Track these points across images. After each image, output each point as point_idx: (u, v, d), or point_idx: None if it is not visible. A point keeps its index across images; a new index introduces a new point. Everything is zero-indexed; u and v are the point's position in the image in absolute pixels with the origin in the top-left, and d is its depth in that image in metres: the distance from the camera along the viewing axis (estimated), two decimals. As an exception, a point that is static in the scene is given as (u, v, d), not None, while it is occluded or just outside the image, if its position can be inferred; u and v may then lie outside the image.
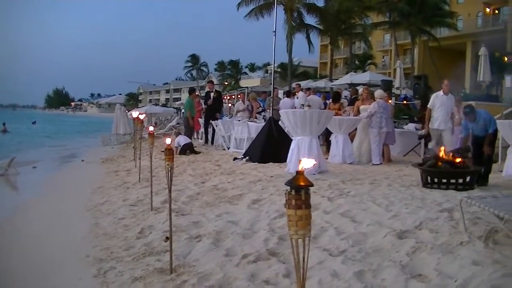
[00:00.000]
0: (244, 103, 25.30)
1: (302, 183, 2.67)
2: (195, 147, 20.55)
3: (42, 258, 8.12)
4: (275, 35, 16.94)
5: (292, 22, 51.74)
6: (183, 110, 63.54)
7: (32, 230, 10.39)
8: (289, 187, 2.72)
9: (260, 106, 23.73)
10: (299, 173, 2.70)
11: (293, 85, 34.48)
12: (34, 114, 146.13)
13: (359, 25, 56.88)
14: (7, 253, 8.85)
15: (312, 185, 2.70)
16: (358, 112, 17.03)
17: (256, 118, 22.32)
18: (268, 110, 22.34)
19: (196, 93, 24.73)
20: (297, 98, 22.24)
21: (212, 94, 22.84)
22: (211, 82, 26.80)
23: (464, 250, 6.08)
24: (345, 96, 24.39)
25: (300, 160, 2.78)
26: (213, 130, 22.74)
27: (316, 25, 56.48)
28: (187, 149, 19.38)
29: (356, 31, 57.75)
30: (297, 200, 2.70)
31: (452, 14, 54.21)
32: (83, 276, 6.82)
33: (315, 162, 2.79)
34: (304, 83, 39.42)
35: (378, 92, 17.22)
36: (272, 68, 20.24)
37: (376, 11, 54.86)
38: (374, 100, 16.60)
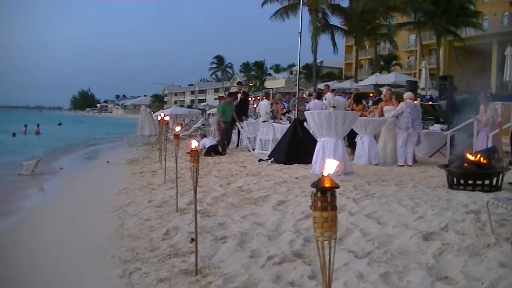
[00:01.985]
0: (269, 102, 25.32)
1: (328, 185, 2.67)
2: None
3: (67, 258, 8.17)
4: (300, 36, 16.92)
5: (317, 23, 51.65)
6: (208, 112, 63.81)
7: (58, 230, 10.46)
8: (315, 189, 2.72)
9: (284, 107, 23.64)
10: (324, 175, 2.69)
11: (322, 86, 34.37)
12: (60, 116, 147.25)
13: (384, 25, 56.62)
14: (33, 253, 8.92)
15: (338, 187, 2.69)
16: (382, 113, 16.96)
17: (281, 119, 22.27)
18: (293, 111, 22.26)
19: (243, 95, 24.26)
20: (325, 99, 22.19)
21: (239, 95, 22.57)
22: (240, 83, 26.62)
23: (491, 252, 6.04)
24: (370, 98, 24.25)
25: (325, 161, 2.77)
26: (239, 131, 22.59)
27: (341, 26, 56.37)
28: (212, 150, 19.41)
29: (381, 31, 57.50)
30: (323, 202, 2.70)
31: (478, 14, 53.74)
32: (108, 277, 6.86)
33: (338, 163, 2.77)
34: (328, 84, 39.36)
35: (407, 94, 17.16)
36: (298, 69, 20.18)
37: (400, 11, 54.55)
38: (398, 101, 16.56)
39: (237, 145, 22.90)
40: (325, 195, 2.69)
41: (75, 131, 64.45)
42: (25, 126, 56.08)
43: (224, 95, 24.26)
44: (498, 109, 18.74)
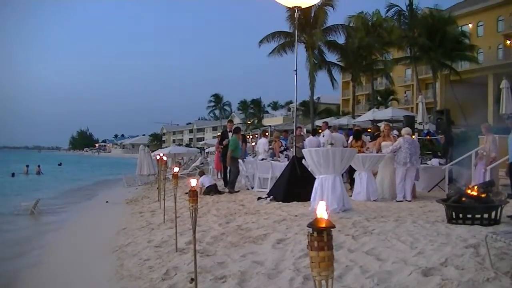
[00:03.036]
0: (267, 140, 25.34)
1: (323, 225, 2.70)
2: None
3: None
4: (296, 74, 17.01)
5: (314, 60, 51.91)
6: (207, 150, 63.81)
7: (58, 271, 10.48)
8: (311, 229, 2.74)
9: (282, 145, 23.66)
10: (319, 216, 2.72)
11: (320, 122, 34.42)
12: (59, 156, 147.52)
13: (380, 61, 56.93)
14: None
15: (333, 226, 2.72)
16: (380, 149, 17.02)
17: (279, 157, 22.30)
18: (291, 149, 22.28)
19: (241, 133, 23.71)
20: (323, 136, 22.22)
21: (230, 134, 22.22)
22: (230, 121, 26.49)
23: (491, 286, 6.05)
24: (366, 133, 24.29)
25: (318, 203, 2.80)
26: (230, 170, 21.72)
27: (337, 62, 56.65)
28: (211, 190, 19.41)
29: (377, 67, 57.75)
30: (320, 242, 2.72)
31: (473, 47, 54.08)
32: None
33: (326, 205, 2.80)
34: (326, 120, 39.48)
35: (405, 129, 17.24)
36: (295, 107, 20.27)
37: (396, 47, 54.93)
38: (396, 136, 16.64)
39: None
40: (321, 234, 2.72)
41: (75, 171, 64.82)
42: (27, 166, 57.07)
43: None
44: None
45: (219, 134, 37.84)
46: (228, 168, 21.21)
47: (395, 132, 20.01)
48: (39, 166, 57.92)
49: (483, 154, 15.97)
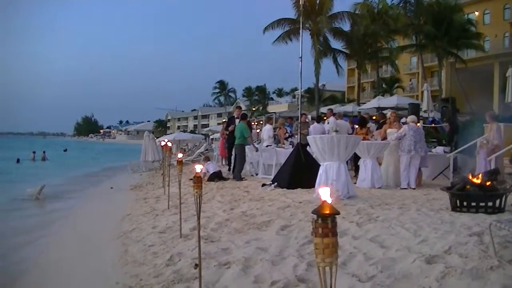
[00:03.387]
0: (272, 127, 25.29)
1: (328, 212, 2.70)
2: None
3: (73, 285, 8.19)
4: (301, 61, 17.02)
5: (319, 47, 51.79)
6: (211, 136, 63.78)
7: (62, 257, 10.50)
8: (315, 215, 2.74)
9: (287, 132, 23.65)
10: (325, 201, 2.72)
11: (325, 109, 34.36)
12: (64, 142, 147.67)
13: (386, 48, 56.72)
14: (38, 279, 8.94)
15: (338, 213, 2.72)
16: (385, 135, 17.01)
17: (283, 144, 22.28)
18: (296, 136, 22.25)
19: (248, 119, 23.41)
20: (328, 123, 22.19)
21: (237, 121, 21.95)
22: (239, 107, 26.33)
23: (494, 274, 6.04)
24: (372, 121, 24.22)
25: (321, 187, 2.80)
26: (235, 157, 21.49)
27: (342, 50, 56.51)
28: (216, 176, 19.40)
29: (382, 54, 57.56)
30: (324, 228, 2.72)
31: (479, 36, 53.80)
32: (113, 304, 6.86)
33: (331, 190, 2.80)
34: (331, 107, 39.45)
35: (411, 117, 17.21)
36: (299, 94, 20.30)
37: (402, 34, 54.68)
38: (402, 124, 16.62)
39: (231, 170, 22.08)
40: (326, 221, 2.72)
41: (81, 157, 65.03)
42: (34, 152, 57.20)
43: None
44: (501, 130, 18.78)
45: (224, 120, 37.73)
46: (234, 155, 21.12)
47: (404, 119, 19.94)
48: (44, 152, 58.05)
49: (483, 143, 15.93)
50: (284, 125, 24.44)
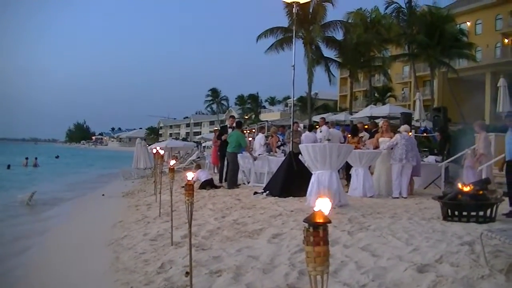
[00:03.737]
0: (263, 135, 25.33)
1: (320, 220, 2.70)
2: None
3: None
4: (294, 69, 17.05)
5: (312, 55, 51.88)
6: (203, 144, 63.75)
7: (53, 264, 10.46)
8: (307, 224, 2.75)
9: (279, 140, 23.64)
10: (316, 210, 2.72)
11: (318, 118, 34.39)
12: (56, 148, 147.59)
13: (378, 57, 56.87)
14: (28, 286, 8.92)
15: (329, 222, 2.72)
16: (377, 144, 17.04)
17: (276, 152, 22.28)
18: (288, 144, 22.26)
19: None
20: (320, 131, 22.19)
21: (230, 130, 21.72)
22: (233, 117, 26.25)
23: (485, 283, 6.06)
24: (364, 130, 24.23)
25: (318, 197, 2.80)
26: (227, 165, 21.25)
27: (335, 58, 56.63)
28: (207, 184, 19.38)
29: (375, 63, 57.69)
30: (315, 237, 2.72)
31: (471, 45, 53.98)
32: (104, 311, 6.85)
33: (330, 202, 2.80)
34: (324, 116, 39.48)
35: (403, 127, 17.25)
36: (292, 102, 20.34)
37: (394, 44, 54.85)
38: (394, 133, 16.65)
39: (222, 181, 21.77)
40: (317, 230, 2.72)
41: (72, 164, 65.05)
42: (26, 158, 57.58)
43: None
44: (492, 140, 18.82)
45: (216, 128, 37.67)
46: (226, 164, 21.04)
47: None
48: (36, 158, 58.28)
49: (468, 153, 16.00)
50: (276, 133, 24.45)
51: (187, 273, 6.91)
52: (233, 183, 19.63)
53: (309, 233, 2.73)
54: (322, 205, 2.73)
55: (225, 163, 21.36)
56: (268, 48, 52.71)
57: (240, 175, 21.15)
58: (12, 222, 17.10)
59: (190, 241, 6.66)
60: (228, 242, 9.64)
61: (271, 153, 22.03)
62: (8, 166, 49.72)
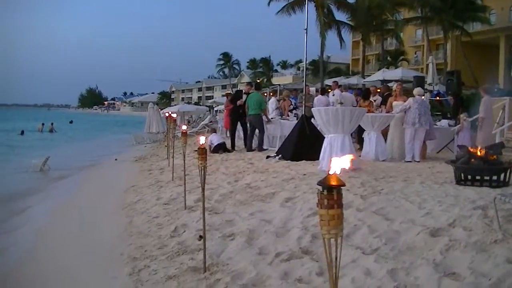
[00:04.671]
0: (276, 99, 25.22)
1: (334, 183, 2.69)
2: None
3: (76, 256, 8.22)
4: (306, 32, 16.94)
5: (324, 19, 51.60)
6: (215, 108, 63.70)
7: (66, 229, 10.53)
8: (321, 187, 2.74)
9: (291, 104, 23.53)
10: (331, 173, 2.71)
11: (330, 82, 34.28)
12: (69, 114, 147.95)
13: (391, 21, 56.52)
14: (42, 251, 8.98)
15: (344, 184, 2.71)
16: (391, 108, 16.95)
17: (288, 116, 22.21)
18: (300, 108, 22.18)
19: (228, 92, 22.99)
20: (333, 95, 22.07)
21: (245, 96, 21.37)
22: (249, 83, 25.90)
23: (498, 248, 6.04)
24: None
25: (331, 159, 2.79)
26: (245, 131, 21.24)
27: (347, 22, 56.32)
28: (220, 148, 19.37)
29: (387, 27, 57.37)
30: (329, 200, 2.72)
31: (485, 8, 53.48)
32: (117, 275, 6.89)
33: (349, 159, 2.79)
34: (336, 80, 39.31)
35: (417, 89, 17.12)
36: (304, 66, 20.22)
37: (407, 7, 54.43)
38: (408, 97, 16.55)
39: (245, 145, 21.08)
40: (331, 193, 2.71)
41: (86, 129, 65.39)
42: (42, 124, 57.68)
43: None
44: (506, 105, 18.73)
45: (228, 92, 37.48)
46: (238, 128, 20.87)
47: None
48: (52, 124, 58.31)
49: (463, 118, 16.06)
50: (289, 97, 24.31)
51: (200, 236, 6.93)
52: (262, 145, 19.51)
53: (323, 196, 2.73)
54: (339, 164, 2.72)
55: (237, 127, 21.32)
56: (279, 10, 52.49)
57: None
58: (26, 187, 17.20)
59: (204, 204, 6.68)
60: (241, 206, 9.66)
61: (283, 116, 21.95)
62: (22, 132, 49.83)
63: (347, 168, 2.73)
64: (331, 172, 2.70)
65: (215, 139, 20.04)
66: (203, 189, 6.59)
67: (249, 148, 19.44)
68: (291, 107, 23.19)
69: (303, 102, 19.17)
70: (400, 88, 17.55)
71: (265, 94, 43.77)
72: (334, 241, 2.78)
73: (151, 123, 34.98)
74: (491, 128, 15.79)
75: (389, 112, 16.80)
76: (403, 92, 17.41)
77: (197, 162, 6.63)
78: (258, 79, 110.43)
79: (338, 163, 2.74)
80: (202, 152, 6.59)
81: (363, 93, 20.00)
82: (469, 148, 11.46)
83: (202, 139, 6.80)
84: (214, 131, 22.71)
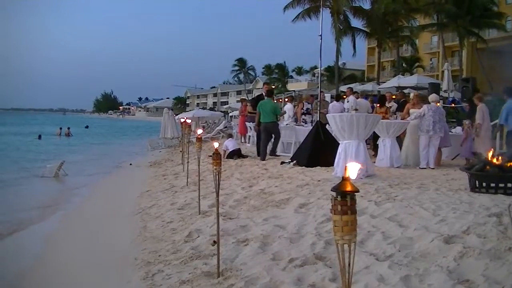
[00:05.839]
0: (292, 105, 25.11)
1: (348, 189, 2.70)
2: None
3: (91, 260, 8.28)
4: (321, 39, 16.95)
5: (339, 25, 51.62)
6: (230, 114, 63.75)
7: (82, 233, 10.60)
8: (335, 193, 2.75)
9: (302, 108, 23.22)
10: (345, 179, 2.73)
11: (345, 88, 34.26)
12: (84, 118, 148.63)
13: (406, 27, 56.40)
14: (58, 254, 9.04)
15: (357, 191, 2.72)
16: (407, 114, 16.90)
17: (300, 121, 22.14)
18: (314, 114, 22.16)
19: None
20: (348, 101, 22.01)
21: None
22: (267, 83, 25.61)
23: (512, 255, 6.02)
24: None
25: (346, 166, 2.81)
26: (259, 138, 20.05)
27: (363, 28, 56.28)
28: (235, 154, 19.34)
29: (403, 33, 57.25)
30: (343, 206, 2.73)
31: (501, 15, 53.27)
32: (131, 279, 6.93)
33: (360, 166, 2.81)
34: (351, 86, 39.27)
35: (432, 96, 17.09)
36: (319, 72, 20.25)
37: (423, 13, 54.25)
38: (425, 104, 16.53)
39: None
40: (345, 199, 2.73)
41: (102, 134, 66.00)
42: (60, 128, 58.62)
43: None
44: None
45: (243, 98, 37.39)
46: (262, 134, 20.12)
47: None
48: (68, 128, 59.31)
49: (466, 124, 16.06)
50: (304, 101, 24.12)
51: (214, 242, 6.96)
52: (275, 151, 19.21)
53: (337, 202, 2.74)
54: (352, 169, 2.73)
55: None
56: (296, 17, 52.62)
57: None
58: (41, 191, 17.31)
59: (218, 210, 6.71)
60: (255, 211, 9.68)
61: (298, 123, 21.91)
62: (39, 136, 50.27)
63: (355, 177, 2.74)
64: (345, 177, 2.72)
65: (230, 145, 19.99)
66: (217, 194, 6.62)
67: (263, 157, 18.64)
68: (303, 111, 23.04)
69: (318, 108, 19.12)
70: (417, 98, 17.49)
71: (280, 100, 43.78)
72: (347, 247, 2.79)
73: (166, 128, 35.00)
74: (489, 134, 15.73)
75: (405, 118, 16.77)
76: (421, 100, 17.34)
77: (212, 167, 6.66)
78: (273, 85, 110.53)
79: (352, 168, 2.76)
80: (216, 157, 6.62)
81: (380, 100, 19.94)
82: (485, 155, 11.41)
83: (216, 144, 6.83)
84: (230, 136, 22.69)
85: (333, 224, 2.79)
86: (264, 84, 23.90)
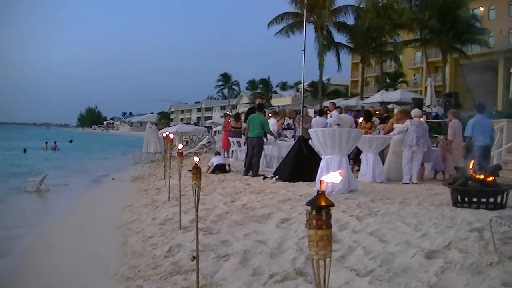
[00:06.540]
0: (276, 120, 25.09)
1: (323, 203, 2.66)
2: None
3: (71, 275, 8.21)
4: (304, 53, 16.97)
5: (323, 41, 51.80)
6: (214, 129, 63.81)
7: (62, 247, 10.51)
8: (309, 207, 2.71)
9: (283, 123, 23.15)
10: (320, 193, 2.69)
11: (327, 103, 34.33)
12: (68, 133, 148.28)
13: (390, 43, 56.67)
14: (37, 270, 8.94)
15: (333, 205, 2.68)
16: (391, 129, 16.92)
17: (280, 134, 22.09)
18: (294, 128, 22.16)
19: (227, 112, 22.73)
20: (331, 116, 22.01)
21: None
22: (260, 97, 25.41)
23: (494, 270, 6.01)
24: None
25: (322, 180, 2.77)
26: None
27: (346, 43, 56.51)
28: (217, 169, 19.25)
29: (386, 49, 57.50)
30: (318, 220, 2.69)
31: (484, 31, 53.53)
32: (111, 294, 6.86)
33: (339, 178, 2.77)
34: (334, 101, 39.38)
35: (415, 111, 17.16)
36: (302, 87, 20.20)
37: (406, 29, 54.50)
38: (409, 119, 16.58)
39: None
40: (320, 213, 2.68)
41: (85, 148, 66.03)
42: (46, 142, 59.03)
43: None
44: (504, 127, 18.76)
45: (227, 113, 37.47)
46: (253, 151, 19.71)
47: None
48: (55, 142, 59.95)
49: (440, 138, 16.25)
50: (286, 116, 24.11)
51: (193, 257, 6.91)
52: (257, 170, 18.39)
53: (311, 216, 2.70)
54: (333, 177, 2.69)
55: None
56: (278, 32, 52.75)
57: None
58: (21, 206, 17.18)
59: (197, 224, 6.65)
60: (237, 226, 9.64)
61: (281, 138, 21.87)
62: (25, 150, 50.24)
63: (338, 183, 2.71)
64: (320, 192, 2.68)
65: (215, 160, 19.92)
66: (196, 209, 6.57)
67: (246, 172, 18.41)
68: (284, 126, 22.98)
69: (301, 123, 19.06)
70: (401, 114, 17.54)
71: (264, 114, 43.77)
72: (322, 262, 2.74)
73: (149, 143, 34.92)
74: (460, 151, 15.74)
75: (389, 132, 16.80)
76: (405, 116, 17.37)
77: (192, 182, 6.61)
78: (261, 97, 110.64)
79: (328, 179, 2.72)
80: (196, 171, 6.57)
81: (365, 115, 19.95)
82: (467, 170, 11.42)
83: (196, 159, 6.78)
84: (218, 153, 22.65)
85: (308, 239, 2.74)
86: (257, 98, 23.75)
